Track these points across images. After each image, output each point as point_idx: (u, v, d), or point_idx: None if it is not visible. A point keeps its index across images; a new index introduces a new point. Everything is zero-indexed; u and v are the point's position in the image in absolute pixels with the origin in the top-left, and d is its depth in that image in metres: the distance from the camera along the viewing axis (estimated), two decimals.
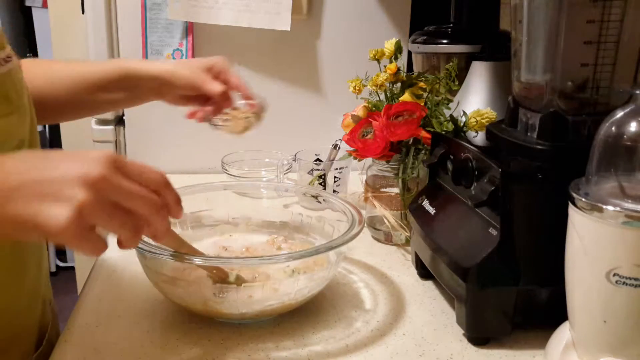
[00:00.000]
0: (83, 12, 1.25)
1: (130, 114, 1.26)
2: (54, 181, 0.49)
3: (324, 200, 0.85)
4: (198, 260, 0.68)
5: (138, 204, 0.53)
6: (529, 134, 0.67)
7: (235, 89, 0.88)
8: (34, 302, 0.73)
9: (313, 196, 0.88)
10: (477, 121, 0.85)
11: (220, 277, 0.70)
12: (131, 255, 0.79)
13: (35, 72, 0.81)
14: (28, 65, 0.79)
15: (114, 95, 0.87)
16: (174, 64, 0.87)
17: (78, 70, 0.86)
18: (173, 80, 0.85)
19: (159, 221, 0.55)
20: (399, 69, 0.95)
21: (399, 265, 0.87)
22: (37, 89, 0.78)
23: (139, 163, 0.54)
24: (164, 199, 0.55)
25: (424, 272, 0.82)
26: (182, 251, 0.67)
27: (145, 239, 0.69)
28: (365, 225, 0.97)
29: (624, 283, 0.52)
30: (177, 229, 0.83)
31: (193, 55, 1.24)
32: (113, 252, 0.89)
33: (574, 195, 0.54)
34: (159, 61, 0.89)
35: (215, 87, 0.84)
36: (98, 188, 0.49)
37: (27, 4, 2.58)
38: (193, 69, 0.85)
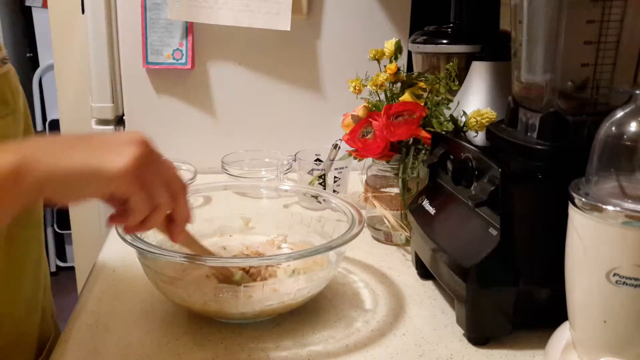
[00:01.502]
0: (83, 12, 1.25)
1: (130, 114, 1.26)
2: (110, 141, 0.53)
3: (324, 200, 0.85)
4: (198, 261, 0.68)
5: (162, 192, 0.55)
6: (529, 134, 0.67)
7: None
8: (33, 311, 0.74)
9: (313, 196, 0.88)
10: (477, 121, 0.85)
11: (224, 276, 0.70)
12: (131, 255, 0.79)
13: None
14: None
15: None
16: None
17: None
18: None
19: (157, 218, 0.57)
20: (399, 69, 0.95)
21: (399, 265, 0.87)
22: None
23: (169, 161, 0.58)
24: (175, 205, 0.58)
25: (424, 272, 0.82)
26: (194, 249, 0.67)
27: (148, 238, 0.69)
28: (365, 225, 0.97)
29: (624, 283, 0.52)
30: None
31: (193, 55, 1.24)
32: (113, 252, 0.89)
33: (574, 195, 0.54)
34: None
35: None
36: (147, 152, 0.53)
37: (27, 4, 2.57)
38: None
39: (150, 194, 0.54)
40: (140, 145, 0.52)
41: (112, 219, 0.57)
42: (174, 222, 0.60)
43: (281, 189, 0.92)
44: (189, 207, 0.60)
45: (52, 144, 0.51)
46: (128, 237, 0.67)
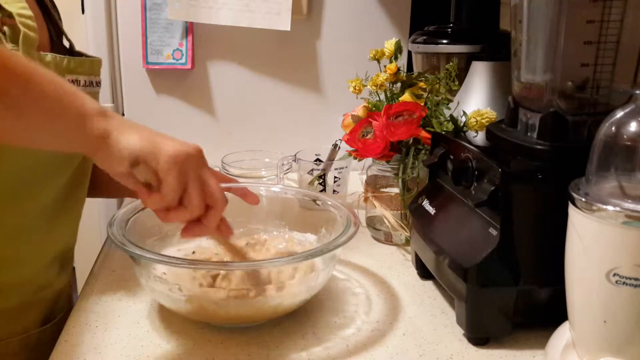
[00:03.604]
0: (83, 12, 1.25)
1: (130, 114, 1.26)
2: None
3: (322, 202, 0.85)
4: (188, 265, 0.69)
5: (196, 194, 0.60)
6: (529, 134, 0.67)
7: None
8: (51, 284, 0.81)
9: (312, 199, 0.88)
10: (477, 121, 0.85)
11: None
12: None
13: None
14: None
15: None
16: None
17: None
18: None
19: (178, 215, 0.61)
20: (399, 69, 0.95)
21: (399, 265, 0.87)
22: None
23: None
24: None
25: (424, 272, 0.82)
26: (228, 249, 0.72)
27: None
28: (365, 225, 0.97)
29: (624, 283, 0.52)
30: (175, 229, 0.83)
31: (193, 55, 1.24)
32: (113, 253, 0.89)
33: (574, 195, 0.54)
34: None
35: None
36: (198, 156, 0.62)
37: None
38: None
39: (183, 188, 0.59)
40: (195, 149, 0.61)
41: (140, 193, 0.60)
42: (201, 226, 0.63)
43: (276, 190, 0.91)
44: (216, 222, 0.63)
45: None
46: (118, 242, 0.67)
